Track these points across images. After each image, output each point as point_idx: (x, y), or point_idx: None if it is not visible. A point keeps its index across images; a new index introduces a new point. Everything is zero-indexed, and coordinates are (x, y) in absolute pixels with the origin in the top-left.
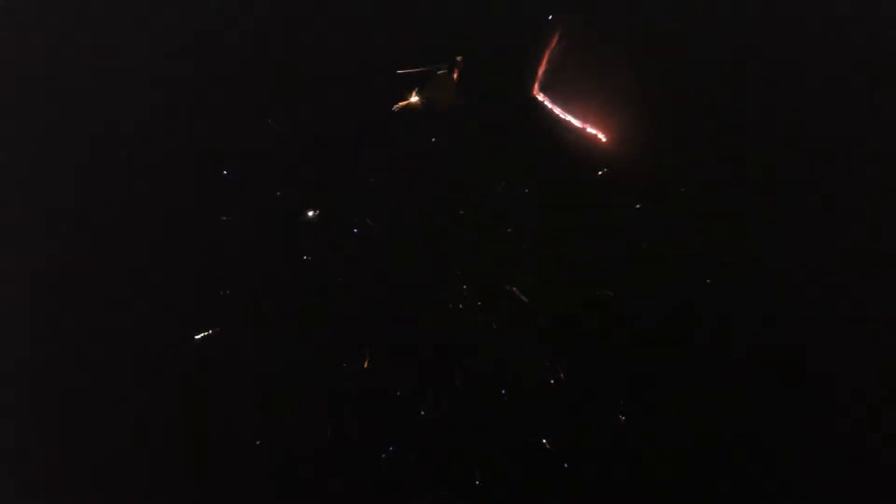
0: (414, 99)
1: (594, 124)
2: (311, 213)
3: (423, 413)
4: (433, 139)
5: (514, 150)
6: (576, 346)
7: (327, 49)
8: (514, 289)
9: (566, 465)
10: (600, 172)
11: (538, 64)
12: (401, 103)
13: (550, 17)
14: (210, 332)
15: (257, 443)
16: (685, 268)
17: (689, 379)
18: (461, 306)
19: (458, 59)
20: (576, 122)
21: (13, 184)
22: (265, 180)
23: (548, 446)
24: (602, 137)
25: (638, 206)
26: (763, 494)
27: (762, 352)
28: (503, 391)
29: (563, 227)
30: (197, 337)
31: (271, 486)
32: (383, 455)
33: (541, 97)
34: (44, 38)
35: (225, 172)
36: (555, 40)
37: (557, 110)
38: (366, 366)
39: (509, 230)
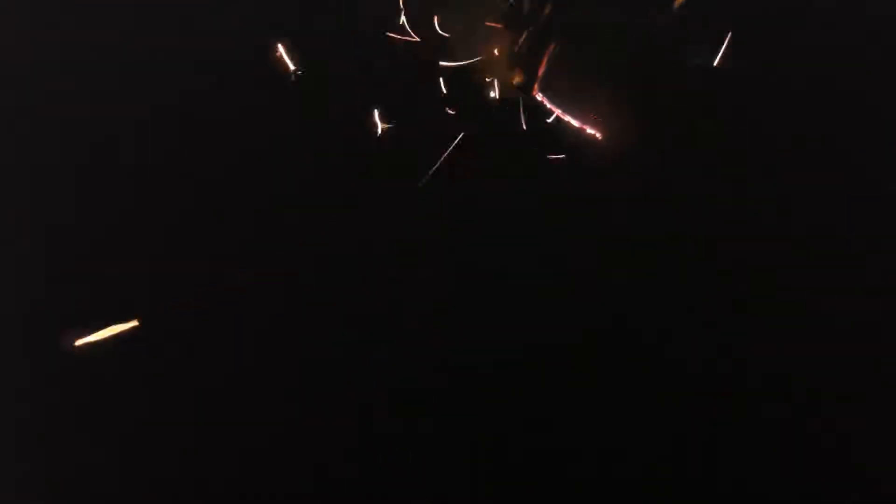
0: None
1: (593, 124)
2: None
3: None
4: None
5: (514, 150)
6: (574, 346)
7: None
8: None
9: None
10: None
11: (538, 64)
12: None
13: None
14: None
15: (256, 445)
16: (684, 266)
17: (686, 380)
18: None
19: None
20: (575, 122)
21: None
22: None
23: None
24: (599, 136)
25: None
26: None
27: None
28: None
29: (561, 227)
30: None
31: (271, 487)
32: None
33: (540, 97)
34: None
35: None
36: (554, 41)
37: (557, 110)
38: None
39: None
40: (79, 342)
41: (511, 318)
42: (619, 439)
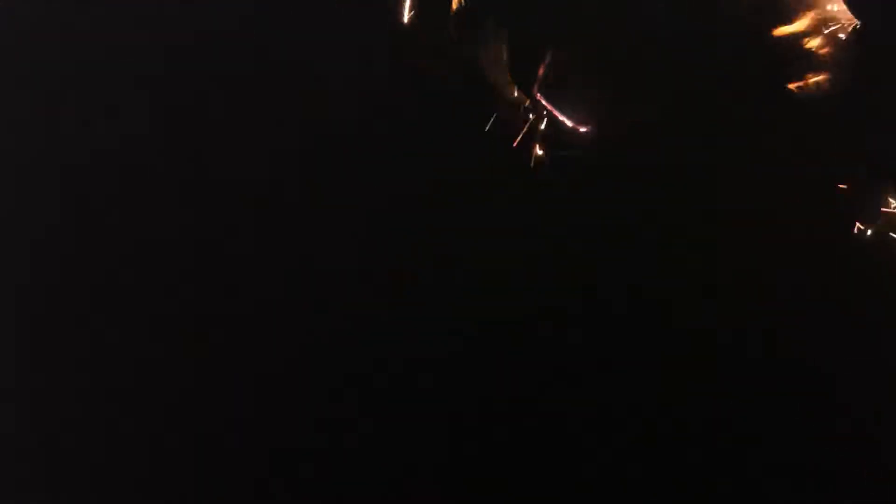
0: None
1: (592, 123)
2: None
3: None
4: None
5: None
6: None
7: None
8: None
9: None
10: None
11: (538, 65)
12: None
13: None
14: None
15: (255, 444)
16: (681, 263)
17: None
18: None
19: None
20: (573, 122)
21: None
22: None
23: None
24: (597, 134)
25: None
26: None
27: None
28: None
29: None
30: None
31: (268, 487)
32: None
33: (538, 96)
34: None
35: None
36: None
37: (557, 110)
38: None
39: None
40: None
41: (508, 314)
42: (620, 438)
